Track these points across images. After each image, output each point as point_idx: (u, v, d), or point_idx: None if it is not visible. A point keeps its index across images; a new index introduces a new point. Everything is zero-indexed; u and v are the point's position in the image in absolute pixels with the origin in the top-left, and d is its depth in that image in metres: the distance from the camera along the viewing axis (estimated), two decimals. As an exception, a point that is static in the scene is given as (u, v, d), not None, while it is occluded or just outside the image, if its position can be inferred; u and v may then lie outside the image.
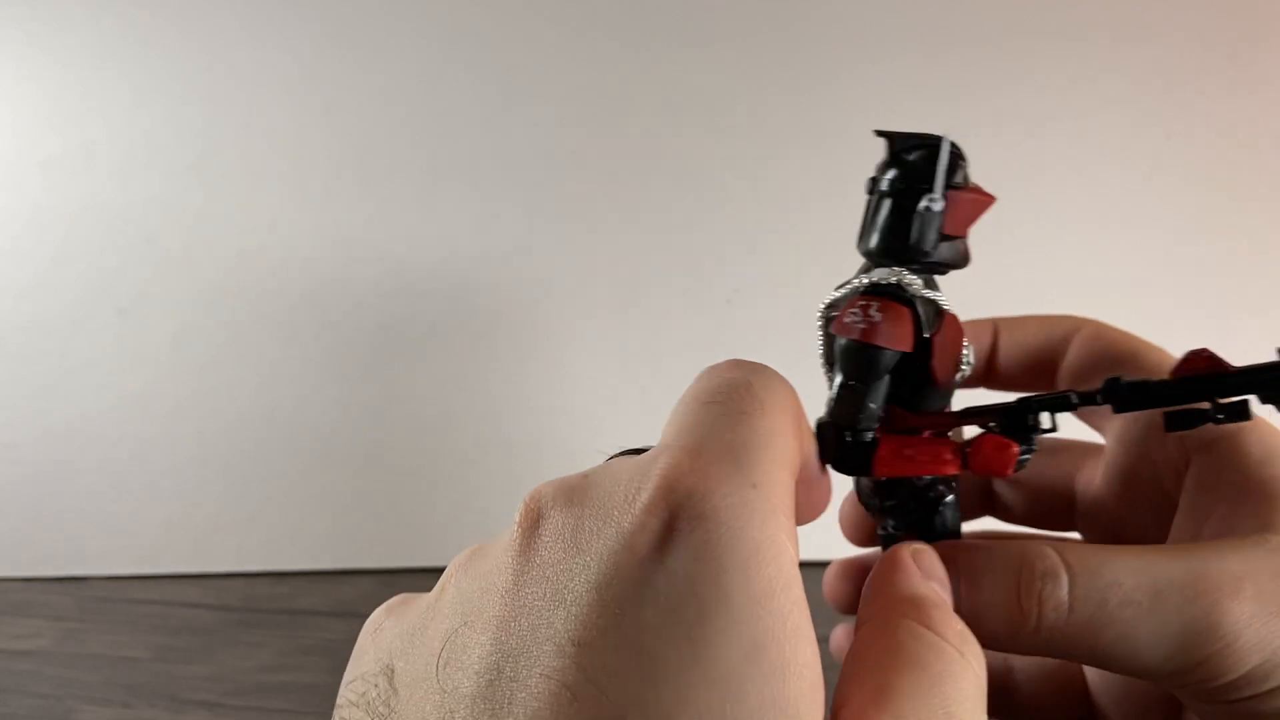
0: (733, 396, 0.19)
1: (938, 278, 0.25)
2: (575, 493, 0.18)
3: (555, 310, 0.61)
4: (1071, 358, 0.28)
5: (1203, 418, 0.22)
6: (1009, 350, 0.29)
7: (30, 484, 0.63)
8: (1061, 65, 0.58)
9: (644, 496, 0.17)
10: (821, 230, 0.58)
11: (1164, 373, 0.22)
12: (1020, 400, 0.23)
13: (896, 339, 0.23)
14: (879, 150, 0.29)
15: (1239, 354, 0.23)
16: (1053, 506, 0.29)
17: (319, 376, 0.62)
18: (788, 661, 0.15)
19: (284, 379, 0.62)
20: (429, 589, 0.21)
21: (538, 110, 0.60)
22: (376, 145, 0.60)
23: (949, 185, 0.25)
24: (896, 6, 0.58)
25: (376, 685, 0.19)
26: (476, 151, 0.60)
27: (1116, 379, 0.21)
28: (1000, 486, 0.31)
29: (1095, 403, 0.22)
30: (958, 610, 0.20)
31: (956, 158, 0.25)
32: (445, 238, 0.61)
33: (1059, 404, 0.22)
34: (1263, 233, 0.58)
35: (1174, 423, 0.22)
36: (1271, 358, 0.21)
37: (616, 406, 0.62)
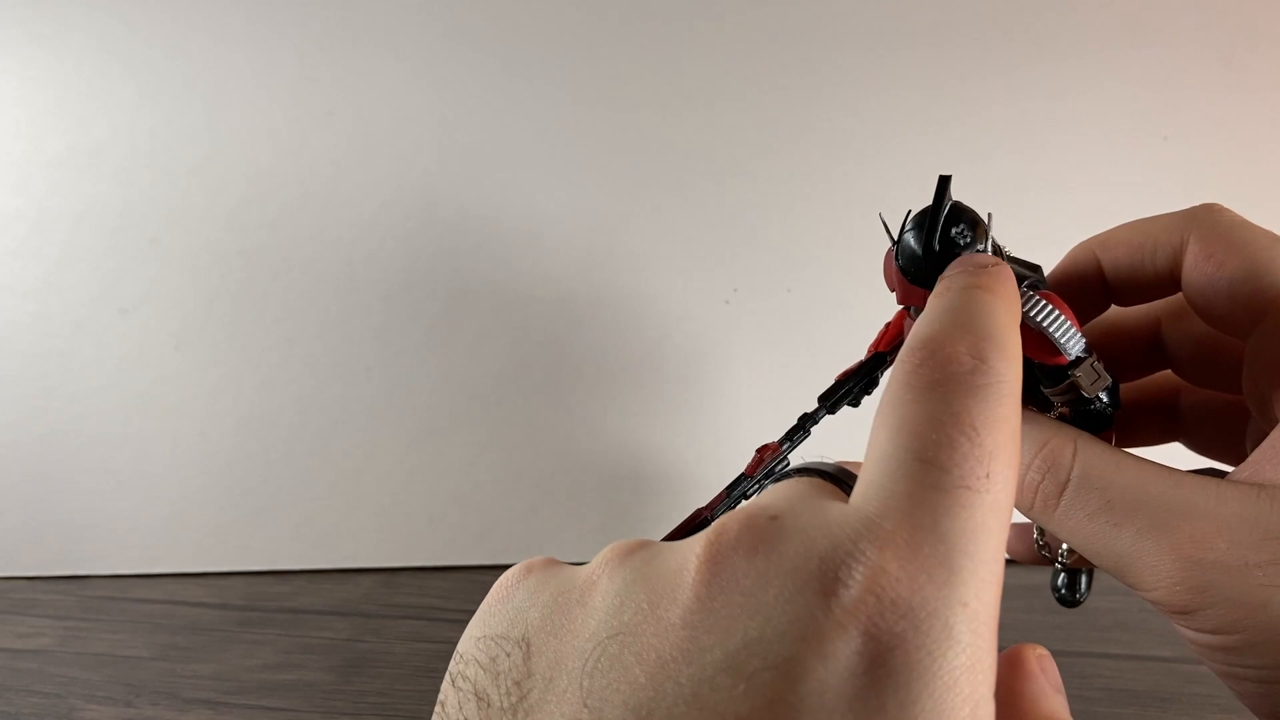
0: (955, 456, 0.17)
1: None
2: (763, 542, 0.17)
3: (555, 310, 0.61)
4: (1192, 265, 0.25)
5: None
6: (1113, 268, 0.27)
7: (33, 483, 0.63)
8: (1059, 68, 0.59)
9: (845, 596, 0.15)
10: (821, 230, 0.59)
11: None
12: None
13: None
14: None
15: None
16: (1219, 365, 0.27)
17: (320, 376, 0.62)
18: None
19: (286, 379, 0.62)
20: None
21: (538, 111, 0.60)
22: (378, 146, 0.61)
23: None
24: (896, 9, 0.59)
25: (510, 655, 0.18)
26: (476, 153, 0.61)
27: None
28: (1171, 339, 0.29)
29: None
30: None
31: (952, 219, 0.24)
32: (445, 238, 0.61)
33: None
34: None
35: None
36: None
37: (616, 406, 0.62)
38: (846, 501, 0.17)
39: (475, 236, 0.61)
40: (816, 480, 0.20)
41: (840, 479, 0.20)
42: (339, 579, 0.62)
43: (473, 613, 0.20)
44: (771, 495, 0.19)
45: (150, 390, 0.62)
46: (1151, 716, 0.39)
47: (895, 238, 0.24)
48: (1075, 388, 0.24)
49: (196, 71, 0.60)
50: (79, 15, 0.60)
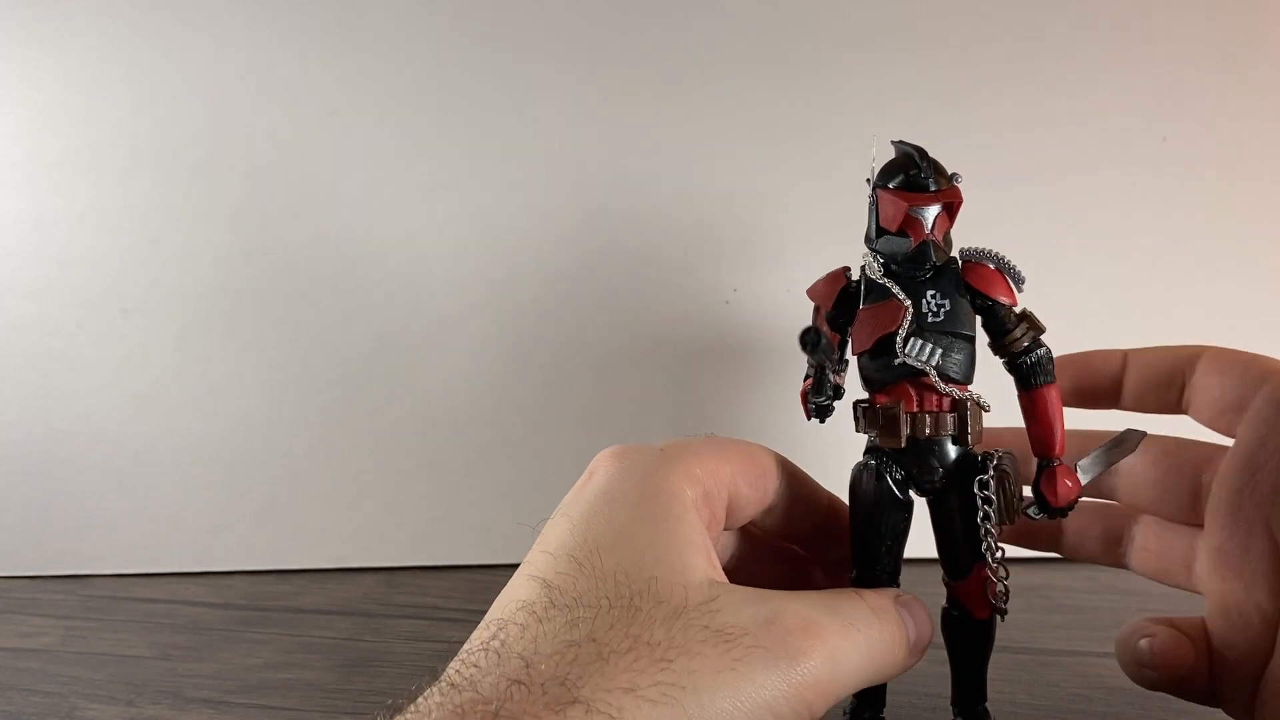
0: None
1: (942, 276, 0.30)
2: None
3: (555, 311, 0.61)
4: (1199, 379, 0.32)
5: None
6: (1136, 374, 0.34)
7: (35, 483, 0.63)
8: (1059, 68, 0.59)
9: (597, 457, 0.32)
10: (820, 230, 0.59)
11: None
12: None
13: (816, 293, 0.31)
14: (878, 150, 0.30)
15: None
16: (1179, 497, 0.34)
17: (321, 376, 0.62)
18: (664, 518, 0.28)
19: (286, 379, 0.62)
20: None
21: (539, 111, 0.60)
22: (380, 147, 0.61)
23: (879, 185, 0.30)
24: (895, 8, 0.59)
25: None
26: (478, 154, 0.61)
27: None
28: (1132, 474, 0.35)
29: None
30: None
31: (905, 163, 0.29)
32: (446, 239, 0.61)
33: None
34: (1259, 236, 0.58)
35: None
36: None
37: (617, 406, 0.62)
38: None
39: (475, 236, 0.61)
40: None
41: None
42: (340, 578, 0.62)
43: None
44: None
45: (150, 390, 0.62)
46: (1152, 716, 0.39)
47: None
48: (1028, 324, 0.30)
49: (196, 71, 0.60)
50: (80, 16, 0.60)
